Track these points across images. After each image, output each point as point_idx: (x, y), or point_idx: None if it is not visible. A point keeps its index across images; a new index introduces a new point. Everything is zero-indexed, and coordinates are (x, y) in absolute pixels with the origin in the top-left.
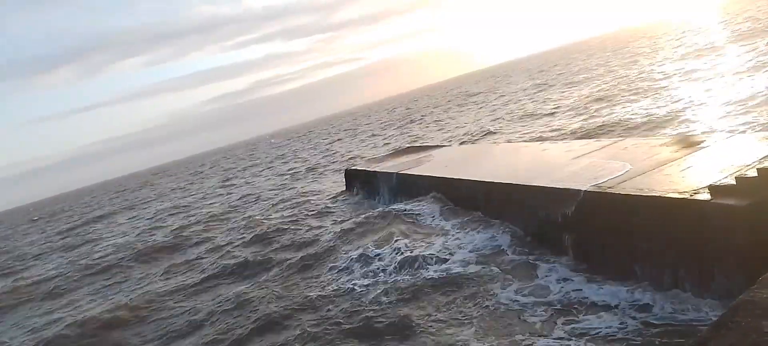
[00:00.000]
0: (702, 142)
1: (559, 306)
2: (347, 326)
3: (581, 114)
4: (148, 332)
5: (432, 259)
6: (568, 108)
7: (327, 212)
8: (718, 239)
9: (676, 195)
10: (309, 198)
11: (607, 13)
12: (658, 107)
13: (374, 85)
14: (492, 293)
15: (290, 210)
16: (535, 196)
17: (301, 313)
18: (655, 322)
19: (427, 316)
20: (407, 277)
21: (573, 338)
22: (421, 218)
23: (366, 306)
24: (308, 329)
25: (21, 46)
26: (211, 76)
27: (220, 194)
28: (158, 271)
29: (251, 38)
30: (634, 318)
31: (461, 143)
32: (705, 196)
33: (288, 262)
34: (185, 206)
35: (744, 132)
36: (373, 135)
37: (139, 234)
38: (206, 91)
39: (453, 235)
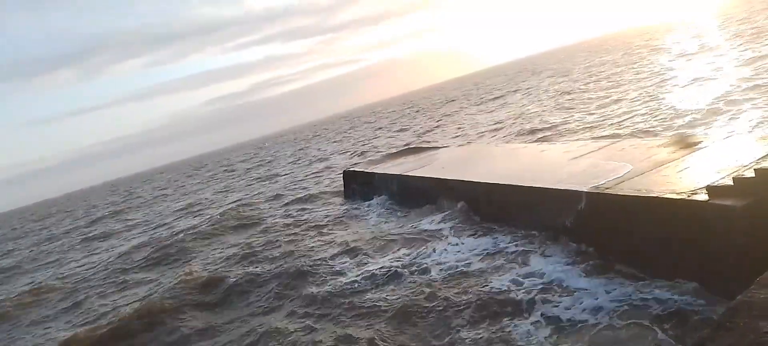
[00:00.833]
0: (699, 142)
1: (559, 305)
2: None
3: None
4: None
5: (432, 260)
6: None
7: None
8: (715, 239)
9: (675, 196)
10: (305, 206)
11: (606, 14)
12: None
13: (374, 87)
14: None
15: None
16: (535, 197)
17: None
18: (653, 322)
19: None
20: (407, 276)
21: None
22: (419, 220)
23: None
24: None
25: (21, 47)
26: (211, 78)
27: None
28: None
29: (251, 40)
30: (633, 318)
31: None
32: (703, 196)
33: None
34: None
35: (741, 133)
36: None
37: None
38: (207, 93)
39: (453, 238)
